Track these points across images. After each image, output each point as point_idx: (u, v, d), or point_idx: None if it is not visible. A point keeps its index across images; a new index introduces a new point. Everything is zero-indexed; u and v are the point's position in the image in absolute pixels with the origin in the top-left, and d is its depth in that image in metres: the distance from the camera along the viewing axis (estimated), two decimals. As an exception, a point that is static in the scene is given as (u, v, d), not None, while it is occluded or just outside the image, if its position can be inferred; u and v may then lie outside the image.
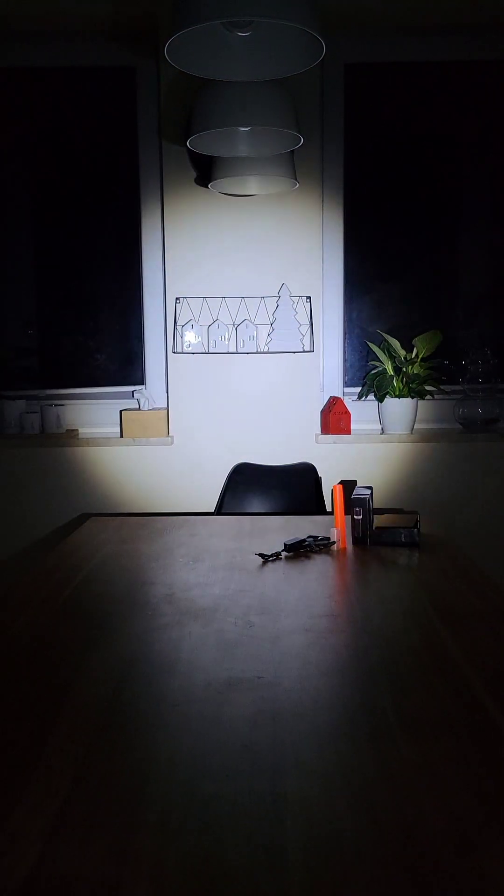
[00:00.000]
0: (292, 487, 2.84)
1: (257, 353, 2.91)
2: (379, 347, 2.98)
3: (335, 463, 2.96)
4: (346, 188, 3.05)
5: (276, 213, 2.87)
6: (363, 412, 3.10)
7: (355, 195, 3.09)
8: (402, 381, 2.92)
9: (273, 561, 1.85)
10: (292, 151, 2.58)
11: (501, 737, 0.98)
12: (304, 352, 2.91)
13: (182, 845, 0.77)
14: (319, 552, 1.91)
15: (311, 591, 1.60)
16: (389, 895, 0.70)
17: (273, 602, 1.53)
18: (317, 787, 0.87)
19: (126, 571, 1.78)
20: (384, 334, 3.02)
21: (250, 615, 1.46)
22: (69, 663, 1.24)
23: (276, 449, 2.95)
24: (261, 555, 1.88)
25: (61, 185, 3.12)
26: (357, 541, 1.97)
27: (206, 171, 2.82)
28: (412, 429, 2.95)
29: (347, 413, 2.92)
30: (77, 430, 3.06)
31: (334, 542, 1.96)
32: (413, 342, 2.94)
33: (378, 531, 1.97)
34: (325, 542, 1.94)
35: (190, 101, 2.84)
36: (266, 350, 2.90)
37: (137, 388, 3.13)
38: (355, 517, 1.96)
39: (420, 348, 2.93)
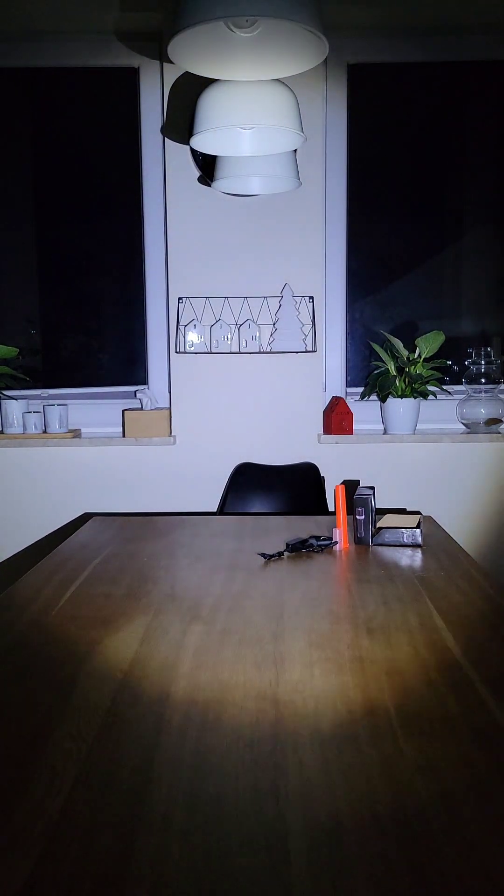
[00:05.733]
0: (294, 487, 2.84)
1: (260, 353, 2.91)
2: (381, 347, 2.98)
3: (337, 463, 2.96)
4: (349, 187, 3.04)
5: (278, 213, 2.87)
6: (366, 412, 3.10)
7: (358, 195, 3.08)
8: (404, 381, 2.92)
9: (275, 561, 1.85)
10: (295, 151, 2.58)
11: (503, 737, 0.98)
12: (306, 352, 2.91)
13: (184, 845, 0.77)
14: (321, 552, 1.91)
15: (313, 592, 1.60)
16: (391, 895, 0.70)
17: (275, 602, 1.53)
18: (318, 787, 0.87)
19: (128, 571, 1.78)
20: (387, 334, 3.02)
21: (252, 615, 1.45)
22: (71, 663, 1.24)
23: (278, 449, 2.95)
24: (263, 555, 1.88)
25: (64, 184, 3.13)
26: (359, 541, 1.97)
27: (208, 171, 2.82)
28: (414, 429, 2.95)
29: (350, 413, 2.92)
30: (79, 429, 3.07)
31: (336, 543, 1.96)
32: (416, 342, 2.94)
33: (380, 531, 1.97)
34: (328, 542, 1.94)
35: (193, 101, 2.84)
36: (269, 350, 2.90)
37: (140, 387, 3.13)
38: (357, 517, 1.96)
39: (423, 348, 2.93)
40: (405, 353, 2.94)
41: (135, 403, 3.08)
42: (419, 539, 1.95)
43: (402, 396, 2.91)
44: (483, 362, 3.00)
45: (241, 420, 2.94)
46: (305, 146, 2.84)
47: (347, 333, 3.11)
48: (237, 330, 2.89)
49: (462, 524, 2.98)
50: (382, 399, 2.94)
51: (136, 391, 3.11)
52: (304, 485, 2.84)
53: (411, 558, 1.84)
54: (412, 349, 2.96)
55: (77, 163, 3.11)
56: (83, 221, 3.14)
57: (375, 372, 3.00)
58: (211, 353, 2.91)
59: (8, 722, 1.04)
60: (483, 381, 2.99)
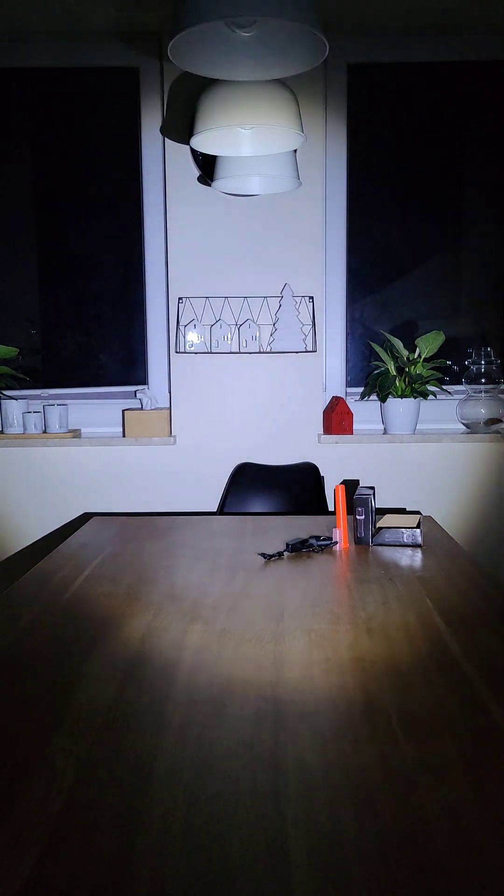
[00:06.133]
0: (294, 487, 2.84)
1: (260, 353, 2.91)
2: (381, 347, 2.97)
3: (337, 463, 2.96)
4: (349, 187, 3.04)
5: (278, 213, 2.87)
6: (366, 412, 3.09)
7: (358, 195, 3.08)
8: (404, 381, 2.92)
9: (275, 561, 1.85)
10: (295, 151, 2.58)
11: (503, 737, 0.98)
12: (306, 352, 2.91)
13: (184, 845, 0.77)
14: (321, 552, 1.91)
15: (313, 592, 1.60)
16: (391, 895, 0.70)
17: (275, 602, 1.53)
18: (318, 787, 0.87)
19: (128, 571, 1.78)
20: (387, 334, 3.02)
21: (252, 615, 1.45)
22: (72, 663, 1.24)
23: (278, 449, 2.95)
24: (263, 555, 1.88)
25: (64, 184, 3.13)
26: (359, 541, 1.97)
27: (208, 171, 2.82)
28: (414, 429, 2.95)
29: (350, 413, 2.92)
30: (79, 429, 3.07)
31: (336, 543, 1.96)
32: (416, 342, 2.94)
33: (380, 531, 1.97)
34: (328, 542, 1.94)
35: (193, 101, 2.84)
36: (269, 350, 2.90)
37: (140, 387, 3.13)
38: (357, 517, 1.96)
39: (423, 348, 2.92)
40: (405, 353, 2.94)
41: (135, 403, 3.08)
42: (419, 539, 1.95)
43: (402, 396, 2.91)
44: (483, 362, 3.00)
45: (241, 420, 2.94)
46: (305, 146, 2.84)
47: (347, 333, 3.11)
48: (237, 330, 2.89)
49: (462, 524, 2.98)
50: (382, 399, 2.94)
51: (136, 391, 3.11)
52: (304, 485, 2.84)
53: (411, 558, 1.84)
54: (412, 349, 2.96)
55: (77, 163, 3.11)
56: (83, 221, 3.14)
57: (375, 372, 3.00)
58: (211, 353, 2.91)
59: (8, 722, 1.04)
60: (483, 381, 2.99)
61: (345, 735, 0.98)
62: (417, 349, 2.93)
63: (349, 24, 2.87)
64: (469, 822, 0.80)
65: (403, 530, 1.95)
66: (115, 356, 3.18)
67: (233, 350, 2.90)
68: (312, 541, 1.93)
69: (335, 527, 2.17)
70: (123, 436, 2.96)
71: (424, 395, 2.93)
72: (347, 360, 3.12)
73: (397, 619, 1.41)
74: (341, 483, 2.97)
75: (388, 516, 2.10)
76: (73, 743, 0.98)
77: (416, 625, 1.38)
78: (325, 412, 2.98)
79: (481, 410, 2.98)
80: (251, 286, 2.89)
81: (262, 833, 0.78)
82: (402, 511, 2.97)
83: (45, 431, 2.96)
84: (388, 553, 1.89)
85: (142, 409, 2.96)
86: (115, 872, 0.73)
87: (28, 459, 2.95)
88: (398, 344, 2.94)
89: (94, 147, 3.10)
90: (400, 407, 2.91)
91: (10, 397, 3.01)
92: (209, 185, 2.83)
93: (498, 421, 2.97)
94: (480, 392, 2.99)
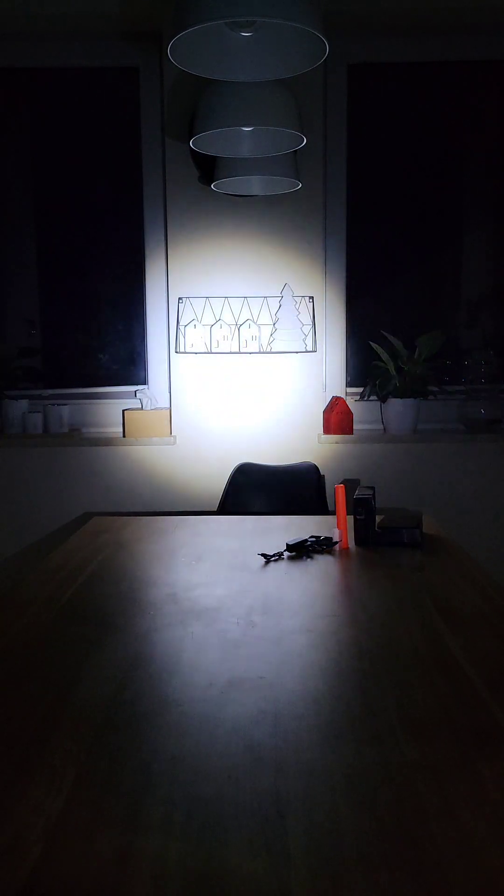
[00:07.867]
0: (295, 487, 2.84)
1: (260, 353, 2.91)
2: (381, 347, 2.98)
3: (337, 463, 2.96)
4: (349, 188, 3.04)
5: (279, 214, 2.87)
6: (365, 412, 3.10)
7: (358, 195, 3.08)
8: (404, 381, 2.92)
9: (275, 561, 1.85)
10: (295, 152, 2.58)
11: (503, 737, 0.98)
12: (306, 352, 2.91)
13: (184, 846, 0.77)
14: (322, 552, 1.91)
15: (314, 592, 1.60)
16: (391, 895, 0.70)
17: (275, 602, 1.53)
18: (319, 788, 0.87)
19: (129, 571, 1.78)
20: (387, 334, 3.02)
21: (252, 615, 1.46)
22: (72, 663, 1.24)
23: (278, 449, 2.95)
24: (263, 555, 1.88)
25: (65, 185, 3.13)
26: (359, 541, 1.97)
27: (209, 171, 2.82)
28: (414, 429, 2.95)
29: (350, 413, 2.92)
30: (80, 429, 3.07)
31: (336, 543, 1.96)
32: (416, 342, 2.94)
33: (380, 531, 1.97)
34: (328, 542, 1.94)
35: (193, 101, 2.84)
36: (269, 350, 2.90)
37: (140, 387, 3.13)
38: (357, 517, 1.96)
39: (423, 348, 2.93)
40: (405, 352, 2.94)
41: (135, 403, 3.08)
42: (419, 538, 1.95)
43: (401, 396, 2.91)
44: (483, 362, 3.00)
45: (242, 420, 2.94)
46: (305, 146, 2.84)
47: (347, 333, 3.11)
48: (237, 330, 2.89)
49: (462, 524, 2.98)
50: (382, 399, 2.94)
51: (136, 391, 3.11)
52: (304, 485, 2.84)
53: (411, 558, 1.84)
54: (412, 349, 2.96)
55: (77, 163, 3.11)
56: (83, 221, 3.14)
57: (375, 372, 3.00)
58: (211, 353, 2.91)
59: (8, 722, 1.04)
60: (483, 381, 2.99)
61: (345, 736, 0.98)
62: (417, 349, 2.93)
63: (349, 24, 2.87)
64: (469, 822, 0.80)
65: (403, 530, 1.95)
66: (116, 356, 3.18)
67: (233, 350, 2.90)
68: (312, 541, 1.93)
69: (335, 527, 2.17)
70: (124, 436, 2.96)
71: (424, 395, 2.93)
72: (347, 360, 3.13)
73: (398, 620, 1.41)
74: (341, 483, 2.97)
75: (388, 516, 2.10)
76: (73, 743, 0.98)
77: (416, 625, 1.38)
78: (325, 412, 2.98)
79: (481, 411, 2.98)
80: (251, 286, 2.89)
81: (261, 834, 0.78)
82: (402, 511, 2.97)
83: (45, 431, 2.96)
84: (389, 553, 1.89)
85: (142, 409, 2.96)
86: (115, 872, 0.73)
87: (28, 459, 2.95)
88: (398, 344, 2.94)
89: (94, 147, 3.11)
90: (400, 407, 2.91)
91: (11, 397, 3.01)
92: (209, 186, 2.83)
93: (498, 421, 2.97)
94: (480, 392, 2.99)
